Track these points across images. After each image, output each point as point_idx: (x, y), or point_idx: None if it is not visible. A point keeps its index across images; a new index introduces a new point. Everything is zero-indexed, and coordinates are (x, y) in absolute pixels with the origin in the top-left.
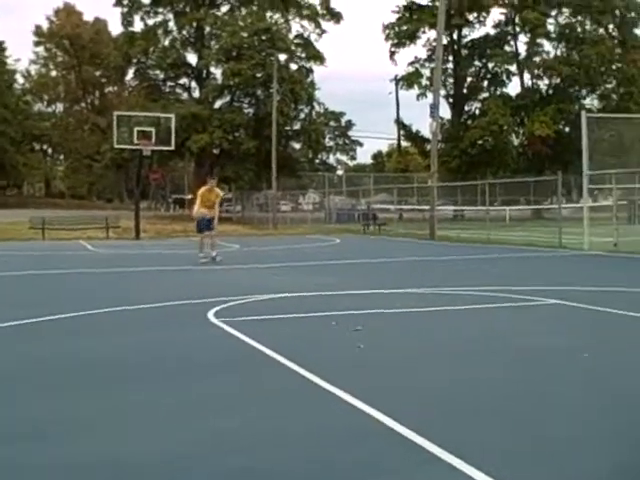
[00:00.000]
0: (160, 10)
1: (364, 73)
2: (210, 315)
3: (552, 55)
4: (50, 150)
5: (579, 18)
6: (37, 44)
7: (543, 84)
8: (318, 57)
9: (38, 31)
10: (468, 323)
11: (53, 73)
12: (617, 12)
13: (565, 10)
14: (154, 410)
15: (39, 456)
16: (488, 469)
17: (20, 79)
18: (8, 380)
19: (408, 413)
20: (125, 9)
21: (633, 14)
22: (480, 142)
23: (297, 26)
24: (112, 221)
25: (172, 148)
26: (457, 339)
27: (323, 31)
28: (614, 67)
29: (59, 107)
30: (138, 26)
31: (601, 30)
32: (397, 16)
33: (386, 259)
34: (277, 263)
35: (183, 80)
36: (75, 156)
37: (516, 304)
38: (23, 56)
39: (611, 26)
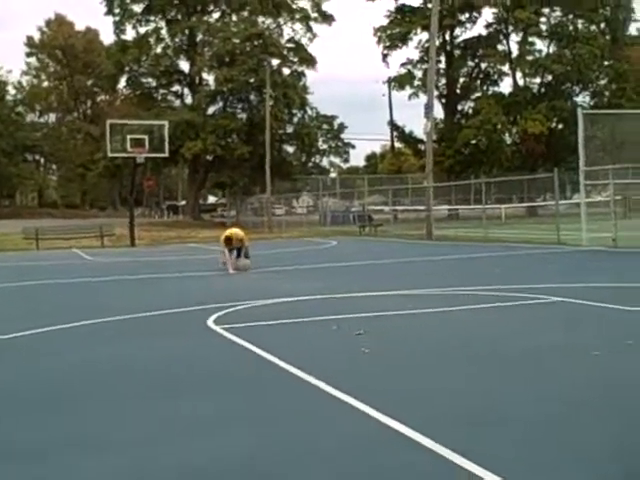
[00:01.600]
0: (152, 18)
1: (356, 76)
2: (210, 322)
3: (544, 53)
4: (42, 160)
5: (570, 17)
6: (29, 55)
7: (535, 82)
8: (310, 60)
9: (30, 42)
10: (472, 323)
11: (45, 83)
12: (608, 10)
13: (557, 9)
14: (158, 423)
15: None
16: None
17: (12, 90)
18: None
19: (422, 419)
20: (117, 18)
21: (624, 13)
22: (474, 141)
23: (289, 30)
24: (106, 229)
25: (166, 155)
26: (462, 340)
27: (314, 34)
28: (606, 64)
29: (51, 117)
30: (130, 34)
31: (593, 27)
32: (388, 20)
33: (385, 260)
34: (274, 267)
35: (176, 87)
36: (68, 165)
37: (520, 302)
38: (14, 67)
39: (603, 24)
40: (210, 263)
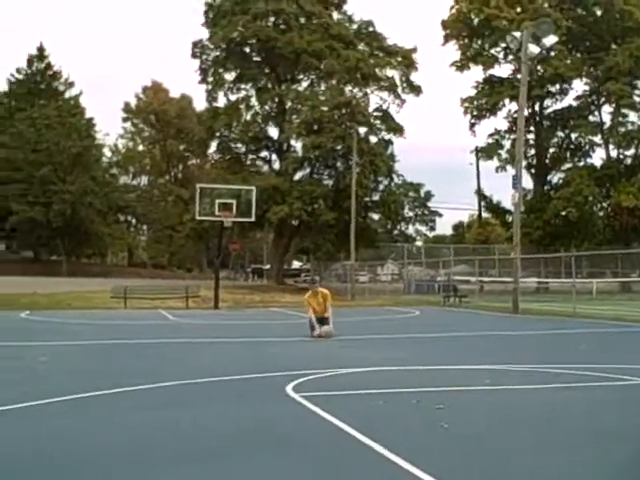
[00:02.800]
0: (243, 86)
1: (443, 144)
2: (289, 389)
3: (638, 125)
4: (134, 221)
5: None
6: (125, 120)
7: (629, 154)
8: (397, 129)
9: (127, 107)
10: (554, 403)
11: (140, 147)
12: None
13: None
14: None
15: None
16: None
17: (108, 153)
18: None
19: None
20: (210, 86)
21: None
22: (564, 213)
23: (376, 98)
24: (192, 290)
25: (252, 220)
26: (546, 420)
27: (403, 101)
28: None
29: (144, 179)
30: (222, 101)
31: None
32: (476, 90)
33: (469, 333)
34: (356, 335)
35: (264, 153)
36: (157, 227)
37: (609, 384)
38: (111, 131)
39: None
40: (292, 328)
